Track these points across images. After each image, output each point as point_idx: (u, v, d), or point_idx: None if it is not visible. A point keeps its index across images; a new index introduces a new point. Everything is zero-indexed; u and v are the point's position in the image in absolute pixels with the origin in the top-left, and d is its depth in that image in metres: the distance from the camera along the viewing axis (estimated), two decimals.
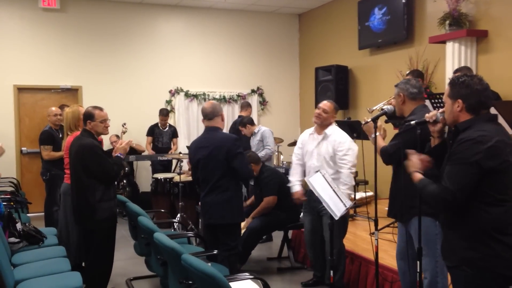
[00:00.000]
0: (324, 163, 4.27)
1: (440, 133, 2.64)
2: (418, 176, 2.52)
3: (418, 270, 2.81)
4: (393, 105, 3.50)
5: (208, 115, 4.03)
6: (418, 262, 2.80)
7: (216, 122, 4.01)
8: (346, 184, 4.17)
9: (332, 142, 4.24)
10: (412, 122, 2.79)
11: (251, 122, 6.65)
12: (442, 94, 4.08)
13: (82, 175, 3.99)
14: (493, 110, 2.72)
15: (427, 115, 2.69)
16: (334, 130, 4.32)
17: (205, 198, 4.08)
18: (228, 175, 3.95)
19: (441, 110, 2.60)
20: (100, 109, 4.16)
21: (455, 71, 5.10)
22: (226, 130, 7.07)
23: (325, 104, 4.36)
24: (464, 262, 2.36)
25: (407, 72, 6.03)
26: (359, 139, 5.39)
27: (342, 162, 4.20)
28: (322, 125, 4.33)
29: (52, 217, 5.88)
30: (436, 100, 3.98)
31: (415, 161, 2.58)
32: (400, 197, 3.25)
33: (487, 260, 2.30)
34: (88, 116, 4.10)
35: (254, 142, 6.57)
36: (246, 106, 7.49)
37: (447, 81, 6.03)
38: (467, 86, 2.41)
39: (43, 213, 6.23)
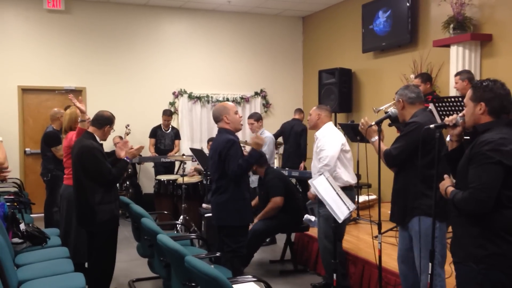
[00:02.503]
0: (315, 162, 4.45)
1: (459, 136, 2.68)
2: (449, 189, 2.56)
3: (430, 272, 2.81)
4: None
5: (215, 120, 4.21)
6: (430, 264, 2.80)
7: (222, 124, 4.12)
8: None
9: (317, 141, 4.43)
10: (432, 126, 2.80)
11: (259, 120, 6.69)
12: (449, 97, 4.10)
13: (82, 177, 4.01)
14: None
15: (447, 118, 2.71)
16: (322, 131, 4.45)
17: (212, 198, 4.19)
18: (226, 177, 3.99)
19: (461, 114, 2.64)
20: (114, 117, 4.29)
21: (456, 74, 5.14)
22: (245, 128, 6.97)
23: (312, 109, 4.59)
24: (471, 258, 2.40)
25: (415, 75, 6.03)
26: (362, 142, 5.39)
27: (319, 157, 4.35)
28: (315, 129, 4.50)
29: (52, 218, 5.89)
30: (442, 104, 3.97)
31: (447, 179, 2.64)
32: (401, 200, 3.28)
33: (494, 258, 2.35)
34: (110, 121, 4.19)
35: None
36: (299, 111, 7.87)
37: (451, 84, 6.05)
38: (491, 90, 2.47)
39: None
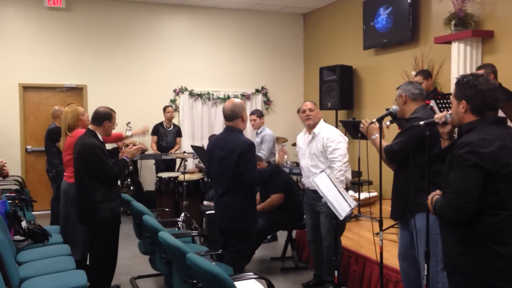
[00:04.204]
0: (316, 161, 4.36)
1: (450, 134, 2.59)
2: (435, 198, 2.45)
3: (426, 273, 2.78)
4: None
5: (227, 117, 3.96)
6: (426, 265, 2.78)
7: (236, 123, 3.92)
8: (338, 178, 4.10)
9: (321, 139, 4.32)
10: (421, 123, 2.76)
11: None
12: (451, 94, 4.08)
13: (83, 175, 4.01)
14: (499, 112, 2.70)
15: (436, 116, 2.64)
16: (321, 128, 4.39)
17: (218, 201, 4.05)
18: (241, 180, 3.85)
19: (450, 111, 2.57)
20: (114, 111, 4.25)
21: (478, 68, 5.00)
22: (250, 129, 6.96)
23: (307, 104, 4.44)
24: (456, 268, 2.30)
25: (415, 72, 6.02)
26: (363, 139, 5.38)
27: (333, 157, 4.26)
28: (312, 125, 4.41)
29: (58, 214, 5.88)
30: (443, 101, 3.96)
31: (437, 191, 2.52)
32: (401, 197, 3.25)
33: (478, 268, 2.23)
34: (108, 116, 4.15)
35: (254, 141, 6.56)
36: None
37: (453, 81, 6.04)
38: (472, 86, 2.34)
39: (47, 211, 6.24)
